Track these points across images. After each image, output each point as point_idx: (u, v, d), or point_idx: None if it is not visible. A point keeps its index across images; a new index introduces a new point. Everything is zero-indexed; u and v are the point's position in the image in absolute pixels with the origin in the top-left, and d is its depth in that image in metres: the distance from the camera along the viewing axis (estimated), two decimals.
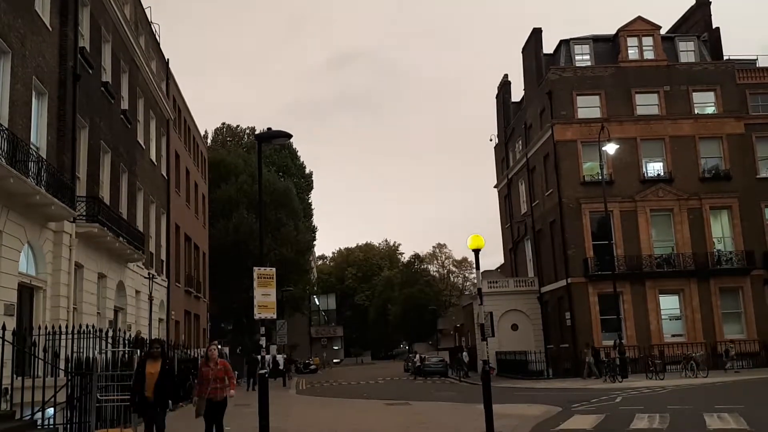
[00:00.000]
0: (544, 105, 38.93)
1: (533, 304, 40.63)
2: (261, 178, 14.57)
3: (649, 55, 38.05)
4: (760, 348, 34.33)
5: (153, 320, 26.07)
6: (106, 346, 14.82)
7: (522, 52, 43.55)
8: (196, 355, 27.55)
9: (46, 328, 13.43)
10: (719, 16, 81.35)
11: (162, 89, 30.83)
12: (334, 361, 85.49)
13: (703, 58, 38.92)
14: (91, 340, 13.93)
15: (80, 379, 12.70)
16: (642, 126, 37.06)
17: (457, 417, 16.63)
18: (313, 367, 63.56)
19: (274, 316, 12.83)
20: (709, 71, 37.88)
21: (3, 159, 13.33)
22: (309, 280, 66.71)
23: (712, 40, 39.74)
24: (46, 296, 16.35)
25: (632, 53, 38.24)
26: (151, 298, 25.69)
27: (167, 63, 33.38)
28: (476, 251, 13.51)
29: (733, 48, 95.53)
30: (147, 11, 29.04)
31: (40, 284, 16.21)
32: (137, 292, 24.65)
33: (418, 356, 49.44)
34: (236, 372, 36.32)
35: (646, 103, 37.59)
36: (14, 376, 11.93)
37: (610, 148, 33.58)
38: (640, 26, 38.41)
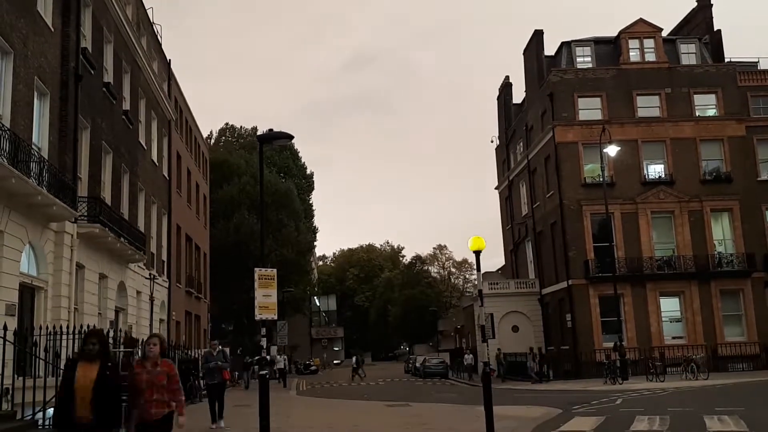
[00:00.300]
0: (545, 107, 38.94)
1: (534, 305, 40.62)
2: (262, 179, 14.59)
3: (650, 57, 38.06)
4: (760, 350, 34.33)
5: (154, 321, 26.09)
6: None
7: (523, 54, 43.57)
8: (196, 356, 27.57)
9: (47, 328, 13.45)
10: (721, 18, 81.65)
11: (164, 90, 30.86)
12: (335, 362, 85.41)
13: (705, 60, 38.93)
14: None
15: None
16: (643, 128, 37.06)
17: (457, 418, 16.62)
18: (313, 368, 63.58)
19: (275, 317, 12.81)
20: (710, 73, 37.87)
21: (5, 159, 13.34)
22: (310, 281, 66.74)
23: (713, 42, 39.75)
24: (47, 296, 16.36)
25: (633, 55, 38.24)
26: (152, 299, 25.71)
27: (169, 64, 33.41)
28: (477, 253, 13.52)
29: (734, 50, 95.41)
30: (149, 12, 29.08)
31: (41, 284, 16.22)
32: (138, 292, 24.67)
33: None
34: (236, 372, 36.73)
35: (647, 105, 37.60)
36: (15, 376, 11.96)
37: (611, 150, 33.57)
38: (642, 28, 38.42)
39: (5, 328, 11.64)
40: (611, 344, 31.21)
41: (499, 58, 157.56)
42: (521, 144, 45.01)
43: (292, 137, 13.91)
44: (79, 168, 18.81)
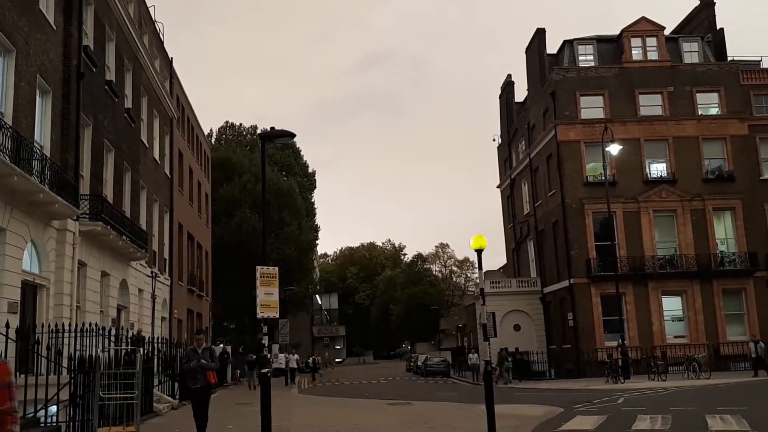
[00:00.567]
0: (547, 105, 38.89)
1: (536, 304, 40.58)
2: (264, 177, 14.55)
3: (652, 55, 37.98)
4: None
5: (156, 319, 26.11)
6: (109, 345, 14.83)
7: (525, 52, 43.51)
8: None
9: (49, 326, 13.46)
10: (723, 16, 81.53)
11: (165, 88, 30.86)
12: (336, 360, 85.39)
13: (707, 58, 38.85)
14: (94, 338, 13.95)
15: (83, 377, 12.71)
16: (645, 127, 37.00)
17: (459, 417, 16.62)
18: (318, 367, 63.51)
19: (277, 315, 12.78)
20: (712, 72, 37.80)
21: (7, 157, 13.35)
22: (312, 279, 66.74)
23: (716, 40, 39.68)
24: (49, 294, 16.38)
25: (636, 54, 38.17)
26: (153, 297, 25.73)
27: (171, 62, 33.43)
28: (479, 251, 13.47)
29: (737, 49, 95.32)
30: (150, 10, 29.09)
31: (43, 282, 16.24)
32: (140, 290, 24.70)
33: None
34: (238, 371, 36.61)
35: (650, 104, 37.53)
36: (17, 373, 11.95)
37: (614, 149, 33.51)
38: (644, 27, 38.34)
39: (7, 325, 11.66)
40: (613, 343, 31.22)
41: (501, 56, 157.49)
42: (523, 142, 44.96)
43: (293, 135, 13.88)
44: (81, 166, 18.82)
